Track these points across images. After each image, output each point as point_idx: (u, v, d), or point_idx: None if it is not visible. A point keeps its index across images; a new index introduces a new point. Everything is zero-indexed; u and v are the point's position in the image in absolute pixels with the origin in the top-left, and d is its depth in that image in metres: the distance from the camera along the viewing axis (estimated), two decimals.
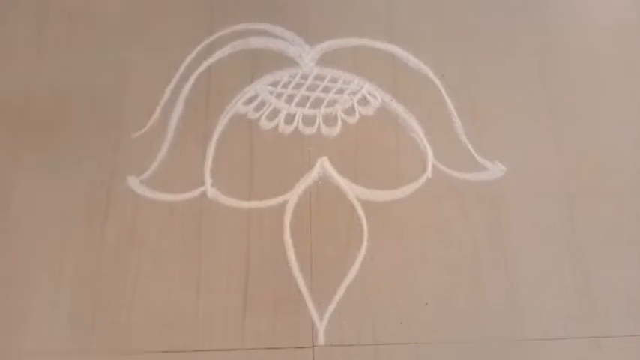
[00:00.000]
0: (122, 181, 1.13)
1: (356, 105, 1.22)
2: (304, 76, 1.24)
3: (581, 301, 1.06)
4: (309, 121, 1.20)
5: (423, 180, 1.15)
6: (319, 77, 1.24)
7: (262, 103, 1.21)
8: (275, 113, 1.21)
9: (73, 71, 1.24)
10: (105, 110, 1.20)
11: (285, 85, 1.23)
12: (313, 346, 1.00)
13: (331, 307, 1.04)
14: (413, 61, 1.26)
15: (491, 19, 1.33)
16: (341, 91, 1.23)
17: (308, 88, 1.23)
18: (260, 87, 1.23)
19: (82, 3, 1.33)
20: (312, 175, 1.15)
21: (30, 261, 1.07)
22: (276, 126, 1.20)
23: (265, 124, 1.20)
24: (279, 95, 1.22)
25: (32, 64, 1.25)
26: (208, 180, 1.14)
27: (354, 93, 1.23)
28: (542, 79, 1.26)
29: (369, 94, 1.23)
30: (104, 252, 1.07)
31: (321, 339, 1.01)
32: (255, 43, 1.28)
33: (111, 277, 1.06)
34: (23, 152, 1.16)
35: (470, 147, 1.18)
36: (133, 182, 1.13)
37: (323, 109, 1.21)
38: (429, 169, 1.16)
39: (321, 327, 1.02)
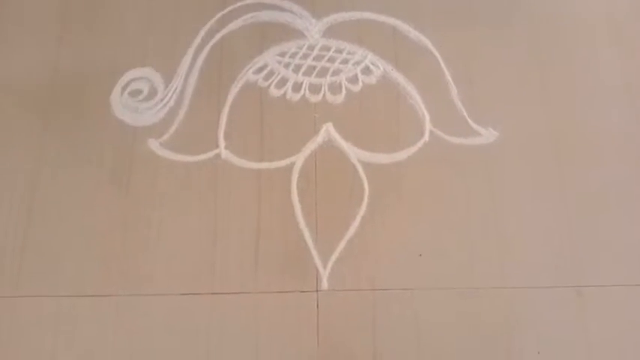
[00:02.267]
0: (143, 143, 1.24)
1: (359, 74, 1.30)
2: (311, 47, 1.33)
3: (565, 253, 1.16)
4: (315, 89, 1.29)
5: (420, 144, 1.24)
6: (325, 48, 1.33)
7: (271, 72, 1.30)
8: (283, 82, 1.30)
9: (96, 50, 1.33)
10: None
11: (292, 56, 1.32)
12: (317, 291, 1.12)
13: (334, 257, 1.14)
14: (413, 32, 1.34)
15: None
16: (345, 61, 1.32)
17: (314, 59, 1.32)
18: (269, 57, 1.32)
19: None
20: (318, 140, 1.25)
21: (62, 214, 1.18)
22: (285, 93, 1.29)
23: (274, 92, 1.29)
24: (287, 65, 1.31)
25: (56, 47, 1.35)
26: (222, 143, 1.24)
27: (357, 63, 1.31)
28: (535, 50, 1.33)
29: (372, 64, 1.31)
30: (129, 207, 1.19)
31: (324, 284, 1.12)
32: (265, 16, 1.36)
33: (135, 229, 1.17)
34: (51, 122, 1.27)
35: (465, 113, 1.27)
36: (154, 144, 1.24)
37: (328, 78, 1.30)
38: (427, 133, 1.25)
39: (324, 274, 1.13)
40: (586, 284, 1.13)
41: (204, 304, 1.11)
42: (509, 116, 1.27)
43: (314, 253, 1.14)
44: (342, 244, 1.15)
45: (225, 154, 1.23)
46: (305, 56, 1.32)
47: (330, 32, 1.35)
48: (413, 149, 1.24)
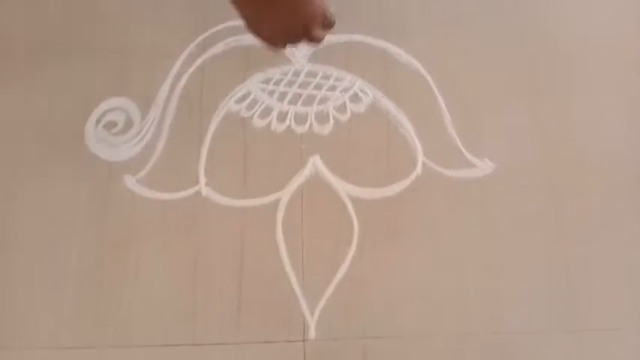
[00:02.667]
0: (119, 180, 1.17)
1: (348, 102, 1.23)
2: (296, 73, 1.25)
3: (563, 296, 1.10)
4: (301, 118, 1.22)
5: (412, 177, 1.18)
6: (311, 74, 1.26)
7: (255, 101, 1.23)
8: (267, 111, 1.22)
9: (69, 78, 1.26)
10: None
11: (277, 83, 1.24)
12: (304, 340, 1.05)
13: (322, 303, 1.08)
14: (404, 57, 1.27)
15: (485, 15, 1.32)
16: (333, 88, 1.24)
17: (300, 86, 1.24)
18: (252, 84, 1.24)
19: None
20: (305, 173, 1.18)
21: (34, 260, 1.11)
22: (269, 124, 1.22)
23: (258, 122, 1.22)
24: (271, 93, 1.24)
25: (26, 74, 1.27)
26: (202, 179, 1.17)
27: (345, 90, 1.24)
28: (535, 78, 1.26)
29: (361, 91, 1.24)
30: (105, 249, 1.12)
31: (312, 333, 1.06)
32: (248, 39, 1.28)
33: (112, 273, 1.10)
34: (24, 158, 1.20)
35: (459, 143, 1.20)
36: (130, 181, 1.17)
37: (315, 107, 1.23)
38: (419, 165, 1.19)
39: (312, 322, 1.06)
40: (584, 328, 1.08)
41: (184, 356, 1.04)
42: (506, 146, 1.20)
43: (301, 299, 1.08)
44: (330, 289, 1.09)
45: (205, 191, 1.16)
46: (290, 83, 1.24)
47: (317, 57, 1.27)
48: (405, 183, 1.17)
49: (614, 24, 1.33)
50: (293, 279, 1.10)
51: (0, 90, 1.25)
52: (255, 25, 1.02)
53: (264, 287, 1.09)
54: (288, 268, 1.10)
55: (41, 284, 1.10)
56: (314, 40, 1.03)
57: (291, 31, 1.02)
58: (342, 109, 1.23)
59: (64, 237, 1.13)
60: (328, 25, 1.03)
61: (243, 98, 1.23)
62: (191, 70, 1.26)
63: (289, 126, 1.21)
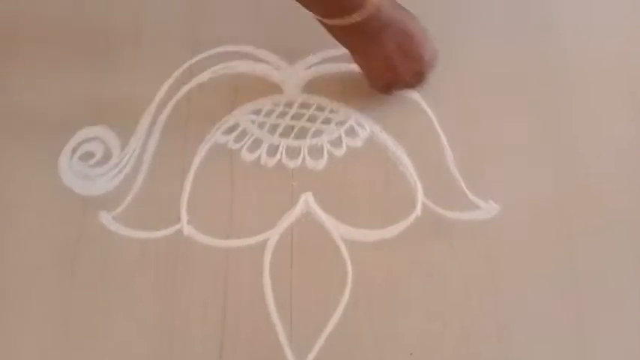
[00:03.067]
0: (94, 216, 1.08)
1: (343, 136, 1.15)
2: (289, 104, 1.17)
3: (577, 350, 1.01)
4: (293, 152, 1.14)
5: (411, 219, 1.09)
6: (305, 105, 1.18)
7: (244, 133, 1.15)
8: (257, 144, 1.14)
9: (43, 103, 1.17)
10: None
11: (268, 114, 1.16)
12: None
13: (311, 357, 0.98)
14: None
15: (487, 46, 1.25)
16: (328, 120, 1.16)
17: (293, 117, 1.16)
18: (242, 115, 1.16)
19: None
20: (296, 212, 1.09)
21: None
22: (259, 157, 1.13)
23: (247, 156, 1.13)
24: (261, 125, 1.15)
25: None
26: (184, 216, 1.08)
27: (341, 123, 1.16)
28: (541, 114, 1.19)
29: (357, 124, 1.16)
30: (74, 294, 1.02)
31: None
32: (238, 66, 1.21)
33: (80, 321, 1.00)
34: None
35: (462, 183, 1.12)
36: (105, 218, 1.08)
37: (308, 140, 1.15)
38: (419, 206, 1.10)
39: None
40: None
41: None
42: (512, 187, 1.12)
43: (288, 353, 0.98)
44: (320, 342, 0.99)
45: (187, 229, 1.07)
46: (282, 114, 1.16)
47: (311, 87, 1.20)
48: (403, 225, 1.09)
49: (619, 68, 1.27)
50: (280, 329, 1.00)
51: None
52: (359, 60, 1.02)
53: (249, 339, 0.99)
54: (275, 318, 1.01)
55: (2, 329, 0.99)
56: (417, 86, 1.03)
57: (400, 76, 1.00)
58: (337, 143, 1.15)
59: (28, 282, 1.03)
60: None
61: (231, 129, 1.15)
62: (176, 98, 1.18)
63: (280, 160, 1.13)
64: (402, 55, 1.01)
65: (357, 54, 1.07)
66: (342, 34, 1.01)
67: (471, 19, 1.29)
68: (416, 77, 1.07)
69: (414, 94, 1.19)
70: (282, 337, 0.99)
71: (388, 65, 1.03)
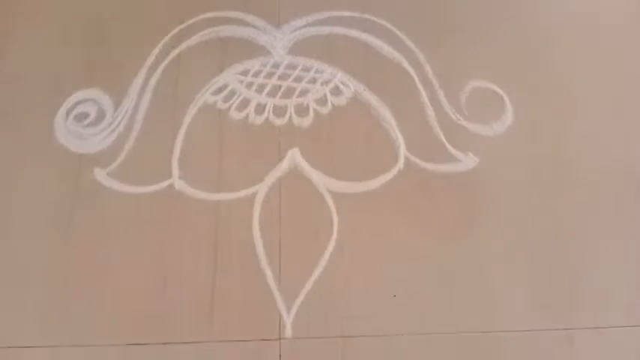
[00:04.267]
0: (89, 172, 1.12)
1: (328, 95, 1.20)
2: (276, 65, 1.22)
3: (550, 293, 1.06)
4: (280, 111, 1.18)
5: (394, 172, 1.14)
6: (291, 66, 1.22)
7: (232, 93, 1.19)
8: (245, 103, 1.19)
9: (40, 68, 1.21)
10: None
11: (255, 75, 1.21)
12: (280, 339, 1.00)
13: (299, 300, 1.03)
14: (386, 49, 1.24)
15: (470, 5, 1.30)
16: (313, 80, 1.21)
17: (279, 78, 1.21)
18: (230, 76, 1.21)
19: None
20: (283, 167, 1.14)
21: None
22: (247, 116, 1.18)
23: (235, 115, 1.18)
24: (249, 85, 1.20)
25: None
26: (176, 172, 1.12)
27: (326, 82, 1.21)
28: (518, 68, 1.24)
29: (342, 83, 1.21)
30: (72, 245, 1.06)
31: (288, 331, 1.01)
32: (226, 31, 1.25)
33: (78, 270, 1.05)
34: None
35: (442, 137, 1.17)
36: (100, 174, 1.12)
37: (295, 99, 1.19)
38: (401, 160, 1.15)
39: (288, 320, 1.01)
40: (574, 327, 1.04)
41: (153, 355, 0.99)
42: (490, 140, 1.17)
43: (277, 295, 1.03)
44: (308, 286, 1.04)
45: (179, 184, 1.11)
46: (269, 75, 1.21)
47: (297, 48, 1.24)
48: (387, 177, 1.14)
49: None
50: (269, 275, 1.05)
51: None
52: None
53: (239, 284, 1.04)
54: (264, 265, 1.06)
55: (4, 282, 1.04)
56: None
57: None
58: (322, 101, 1.19)
59: (30, 233, 1.07)
60: None
61: (220, 90, 1.19)
62: (166, 61, 1.22)
63: (267, 118, 1.17)
64: None
65: None
66: None
67: None
68: None
69: (397, 56, 1.23)
70: (272, 283, 1.04)
71: None
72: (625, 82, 1.24)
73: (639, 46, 1.28)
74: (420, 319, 1.03)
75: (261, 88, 1.20)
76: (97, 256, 1.06)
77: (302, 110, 1.19)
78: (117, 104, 1.18)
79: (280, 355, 0.99)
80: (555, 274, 1.08)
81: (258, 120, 1.17)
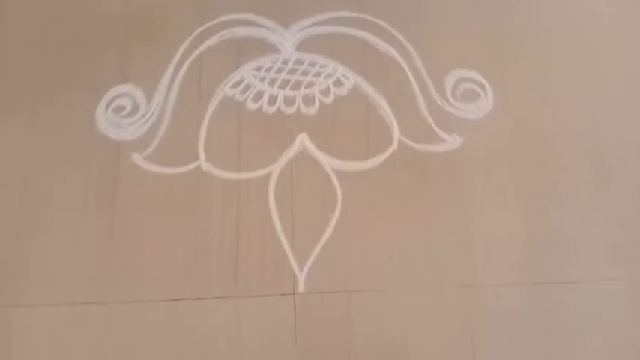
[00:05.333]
0: (127, 157, 1.30)
1: (331, 86, 1.38)
2: (285, 61, 1.40)
3: (527, 252, 1.24)
4: (289, 101, 1.36)
5: (389, 152, 1.32)
6: (298, 62, 1.40)
7: (248, 86, 1.37)
8: (259, 95, 1.37)
9: (82, 67, 1.40)
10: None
11: (267, 70, 1.39)
12: (294, 293, 1.19)
13: (309, 261, 1.22)
14: (382, 45, 1.41)
15: (455, 3, 1.47)
16: (318, 74, 1.39)
17: (288, 72, 1.39)
18: (245, 72, 1.39)
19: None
20: (293, 149, 1.32)
21: (52, 226, 1.24)
22: (261, 106, 1.36)
23: (251, 105, 1.36)
24: (262, 79, 1.38)
25: (39, 63, 1.41)
26: (202, 155, 1.31)
27: (329, 75, 1.39)
28: (499, 55, 1.41)
29: (343, 76, 1.39)
30: (115, 218, 1.25)
31: (301, 287, 1.20)
32: (241, 32, 1.43)
33: (122, 239, 1.24)
34: (37, 137, 1.33)
35: (431, 121, 1.35)
36: (137, 158, 1.30)
37: (302, 91, 1.37)
38: (395, 142, 1.33)
39: (301, 277, 1.21)
40: (546, 281, 1.22)
41: (189, 308, 1.18)
42: (473, 123, 1.35)
43: (291, 258, 1.22)
44: (317, 249, 1.23)
45: (205, 165, 1.30)
46: (279, 70, 1.39)
47: (303, 46, 1.42)
48: (382, 157, 1.32)
49: None
50: (284, 241, 1.24)
51: (14, 88, 1.38)
52: None
53: (259, 248, 1.23)
54: (279, 232, 1.24)
55: (61, 248, 1.23)
56: None
57: None
58: (326, 92, 1.37)
59: (80, 207, 1.26)
60: None
61: (237, 84, 1.37)
62: (190, 59, 1.40)
63: (279, 108, 1.35)
64: None
65: None
66: None
67: None
68: None
69: (391, 51, 1.41)
70: (286, 247, 1.23)
71: None
72: (595, 69, 1.41)
73: (612, 33, 1.45)
74: (412, 275, 1.22)
75: (272, 82, 1.38)
76: (138, 226, 1.25)
77: (309, 100, 1.37)
78: (149, 98, 1.36)
79: (295, 307, 1.18)
80: (531, 236, 1.26)
81: (271, 109, 1.36)
